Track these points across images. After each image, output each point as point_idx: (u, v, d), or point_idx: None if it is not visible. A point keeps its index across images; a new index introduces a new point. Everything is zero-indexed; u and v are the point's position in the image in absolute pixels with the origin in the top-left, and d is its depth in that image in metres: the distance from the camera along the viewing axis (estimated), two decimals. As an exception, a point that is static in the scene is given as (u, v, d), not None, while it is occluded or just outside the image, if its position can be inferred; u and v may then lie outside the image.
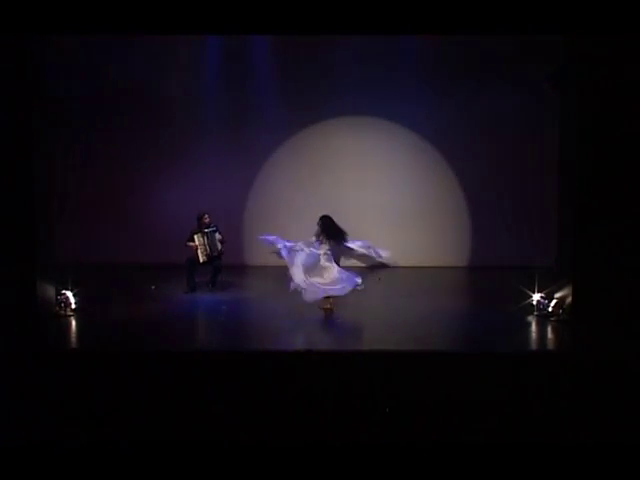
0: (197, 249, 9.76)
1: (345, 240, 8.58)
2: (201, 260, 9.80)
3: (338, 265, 8.68)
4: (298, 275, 8.41)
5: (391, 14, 6.47)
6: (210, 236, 9.81)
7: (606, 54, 7.61)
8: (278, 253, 8.69)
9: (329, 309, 8.59)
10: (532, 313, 8.55)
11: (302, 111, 11.75)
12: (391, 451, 5.50)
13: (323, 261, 8.48)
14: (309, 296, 8.40)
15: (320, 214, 8.71)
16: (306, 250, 8.48)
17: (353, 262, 10.94)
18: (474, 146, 11.67)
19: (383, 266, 11.31)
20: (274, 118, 11.75)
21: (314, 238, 8.52)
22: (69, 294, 8.62)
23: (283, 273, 8.72)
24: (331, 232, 8.50)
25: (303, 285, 8.37)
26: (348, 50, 11.27)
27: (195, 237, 9.78)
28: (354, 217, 10.76)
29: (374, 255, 9.12)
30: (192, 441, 5.71)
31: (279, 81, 11.62)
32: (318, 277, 8.43)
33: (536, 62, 10.47)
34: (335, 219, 8.60)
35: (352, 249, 8.84)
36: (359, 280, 8.44)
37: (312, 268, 8.46)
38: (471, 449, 5.58)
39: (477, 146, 11.67)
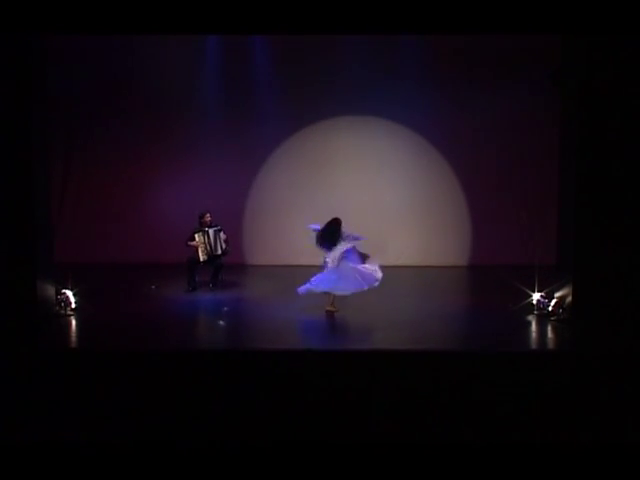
0: (198, 248, 9.77)
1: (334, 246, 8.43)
2: (202, 259, 9.80)
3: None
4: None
5: (391, 14, 6.47)
6: (211, 235, 9.81)
7: (606, 54, 7.61)
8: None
9: (333, 311, 8.57)
10: (532, 312, 8.55)
11: (302, 111, 11.74)
12: (391, 451, 5.50)
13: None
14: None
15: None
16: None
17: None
18: (474, 146, 11.67)
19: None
20: (274, 118, 11.75)
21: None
22: (69, 294, 8.62)
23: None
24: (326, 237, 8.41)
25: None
26: (348, 50, 11.26)
27: (196, 236, 9.79)
28: (354, 217, 10.70)
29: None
30: (192, 441, 5.71)
31: (279, 81, 11.61)
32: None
33: (536, 62, 10.47)
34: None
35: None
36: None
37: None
38: (471, 449, 5.58)
39: (477, 146, 11.67)
